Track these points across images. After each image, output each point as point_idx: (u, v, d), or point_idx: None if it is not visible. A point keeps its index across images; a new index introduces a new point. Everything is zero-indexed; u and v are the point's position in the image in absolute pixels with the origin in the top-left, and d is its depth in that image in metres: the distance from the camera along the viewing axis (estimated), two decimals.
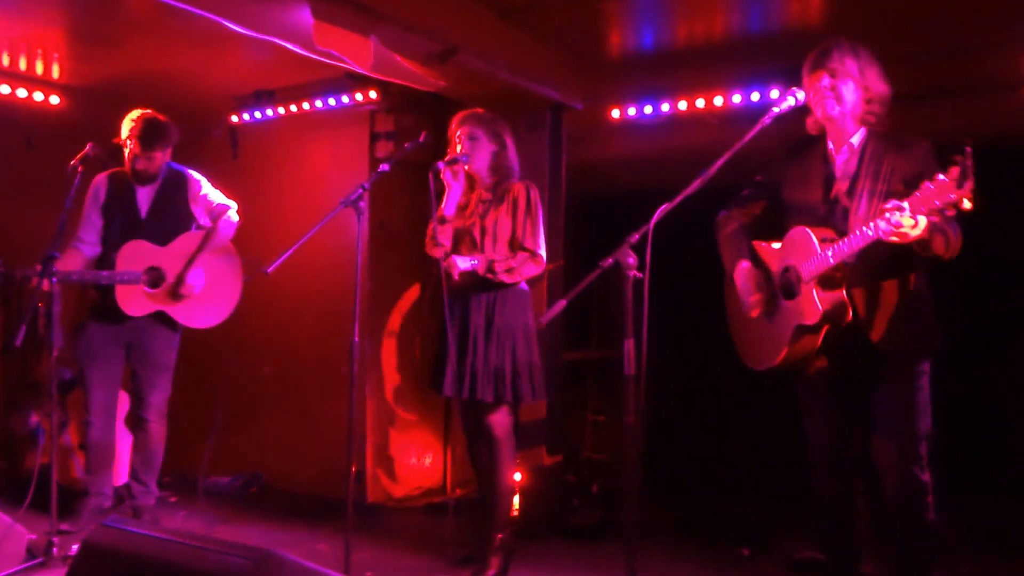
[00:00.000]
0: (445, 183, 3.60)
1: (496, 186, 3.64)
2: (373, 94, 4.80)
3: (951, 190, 2.24)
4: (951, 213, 2.29)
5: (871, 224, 2.47)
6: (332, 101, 4.98)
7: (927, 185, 2.30)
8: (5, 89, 4.88)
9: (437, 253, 3.54)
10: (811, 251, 2.68)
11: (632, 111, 4.95)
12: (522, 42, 4.50)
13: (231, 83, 5.10)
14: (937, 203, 2.27)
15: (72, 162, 3.67)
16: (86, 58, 4.68)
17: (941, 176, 2.27)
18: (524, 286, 3.63)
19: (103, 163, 4.06)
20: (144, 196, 4.10)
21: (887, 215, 2.38)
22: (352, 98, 4.89)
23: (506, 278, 3.51)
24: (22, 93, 4.95)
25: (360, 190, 3.10)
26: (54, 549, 3.39)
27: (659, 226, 2.49)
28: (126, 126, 4.01)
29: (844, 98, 2.73)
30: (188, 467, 4.89)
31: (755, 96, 4.55)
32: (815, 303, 2.67)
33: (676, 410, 5.11)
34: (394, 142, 4.91)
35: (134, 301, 3.96)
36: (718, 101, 4.68)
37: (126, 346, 4.08)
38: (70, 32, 4.39)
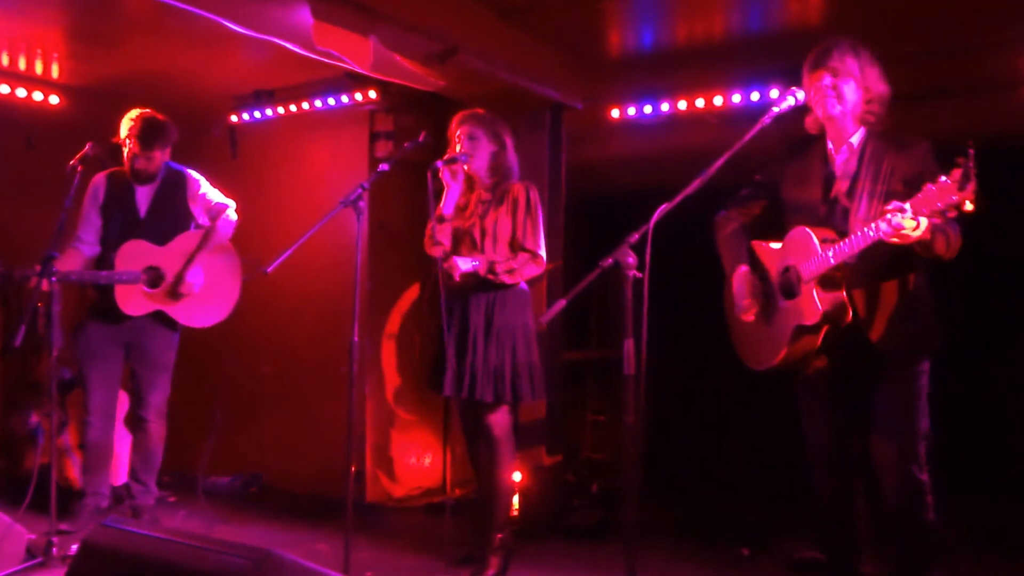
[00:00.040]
0: (444, 182, 3.59)
1: (495, 186, 3.64)
2: (373, 94, 4.80)
3: (953, 192, 2.23)
4: (952, 215, 2.29)
5: (872, 225, 2.47)
6: (332, 101, 4.98)
7: (929, 187, 2.30)
8: (5, 89, 4.88)
9: (436, 252, 3.53)
10: (811, 251, 2.68)
11: (632, 111, 4.95)
12: (522, 42, 4.50)
13: (231, 83, 5.10)
14: (939, 205, 2.27)
15: (71, 162, 3.67)
16: (85, 58, 4.68)
17: (943, 178, 2.26)
18: (524, 286, 3.63)
19: (102, 163, 4.06)
20: (143, 196, 4.10)
21: (888, 216, 2.38)
22: (352, 98, 4.89)
23: (507, 279, 3.51)
24: (22, 93, 4.95)
25: (360, 190, 3.09)
26: (53, 549, 3.40)
27: (659, 226, 2.49)
28: (125, 125, 4.01)
29: (845, 97, 2.73)
30: (188, 467, 4.88)
31: (755, 96, 4.55)
32: (815, 303, 2.67)
33: (676, 410, 5.11)
34: (394, 142, 4.91)
35: (133, 301, 3.96)
36: (718, 101, 4.68)
37: (125, 346, 4.08)
38: (70, 32, 4.39)
